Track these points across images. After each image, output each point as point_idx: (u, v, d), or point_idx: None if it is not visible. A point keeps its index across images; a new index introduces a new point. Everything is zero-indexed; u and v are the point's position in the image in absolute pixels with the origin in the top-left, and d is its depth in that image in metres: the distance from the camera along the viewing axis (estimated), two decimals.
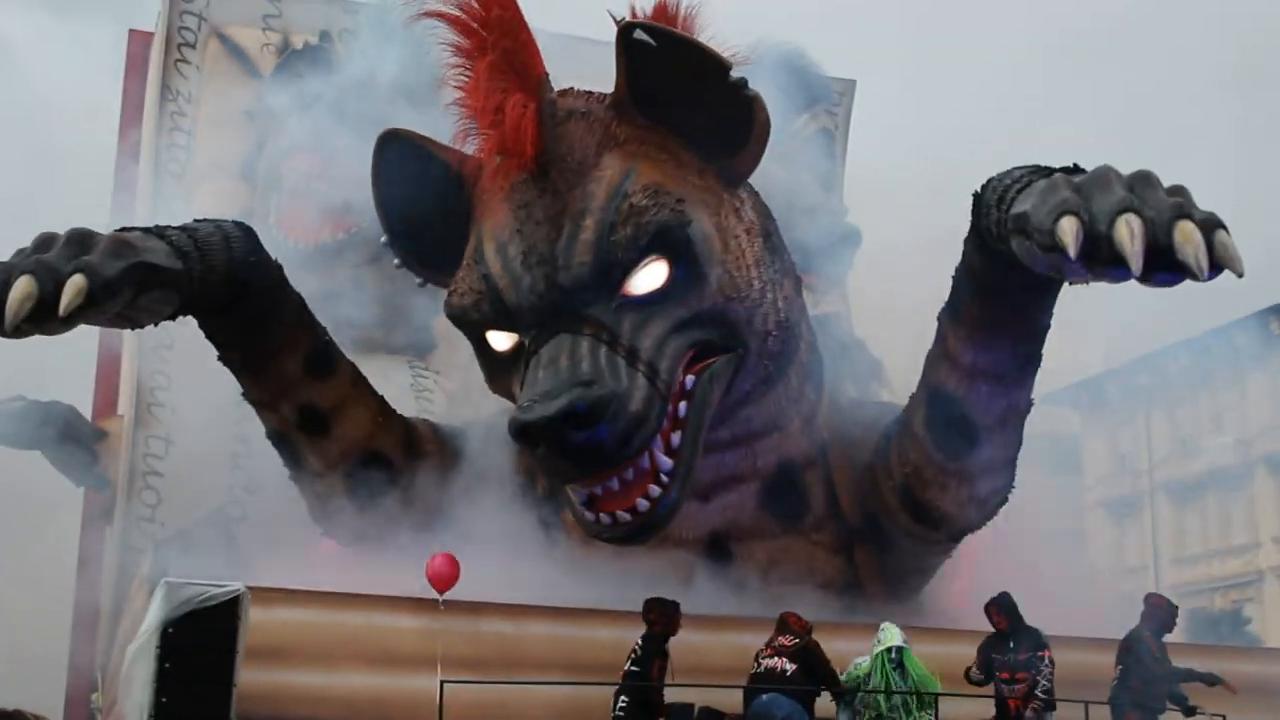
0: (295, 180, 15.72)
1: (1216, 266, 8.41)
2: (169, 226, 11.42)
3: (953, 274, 11.11)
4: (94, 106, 19.12)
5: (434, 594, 10.73)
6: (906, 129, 17.07)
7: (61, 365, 16.47)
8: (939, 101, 17.68)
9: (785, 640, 10.12)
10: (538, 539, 12.09)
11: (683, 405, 10.74)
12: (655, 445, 10.45)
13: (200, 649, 9.36)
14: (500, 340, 11.15)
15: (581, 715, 10.29)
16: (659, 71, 10.72)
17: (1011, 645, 10.64)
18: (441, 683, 9.57)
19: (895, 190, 16.16)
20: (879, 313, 15.60)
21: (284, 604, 10.37)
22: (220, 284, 11.43)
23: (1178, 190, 8.76)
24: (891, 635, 10.49)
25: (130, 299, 10.40)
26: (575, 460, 10.14)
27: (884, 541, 12.88)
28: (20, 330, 9.78)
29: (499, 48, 10.77)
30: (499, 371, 11.42)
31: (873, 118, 17.40)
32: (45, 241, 10.21)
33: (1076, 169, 9.46)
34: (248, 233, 11.87)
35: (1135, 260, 8.41)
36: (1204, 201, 8.54)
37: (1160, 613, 11.28)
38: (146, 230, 11.20)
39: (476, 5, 10.80)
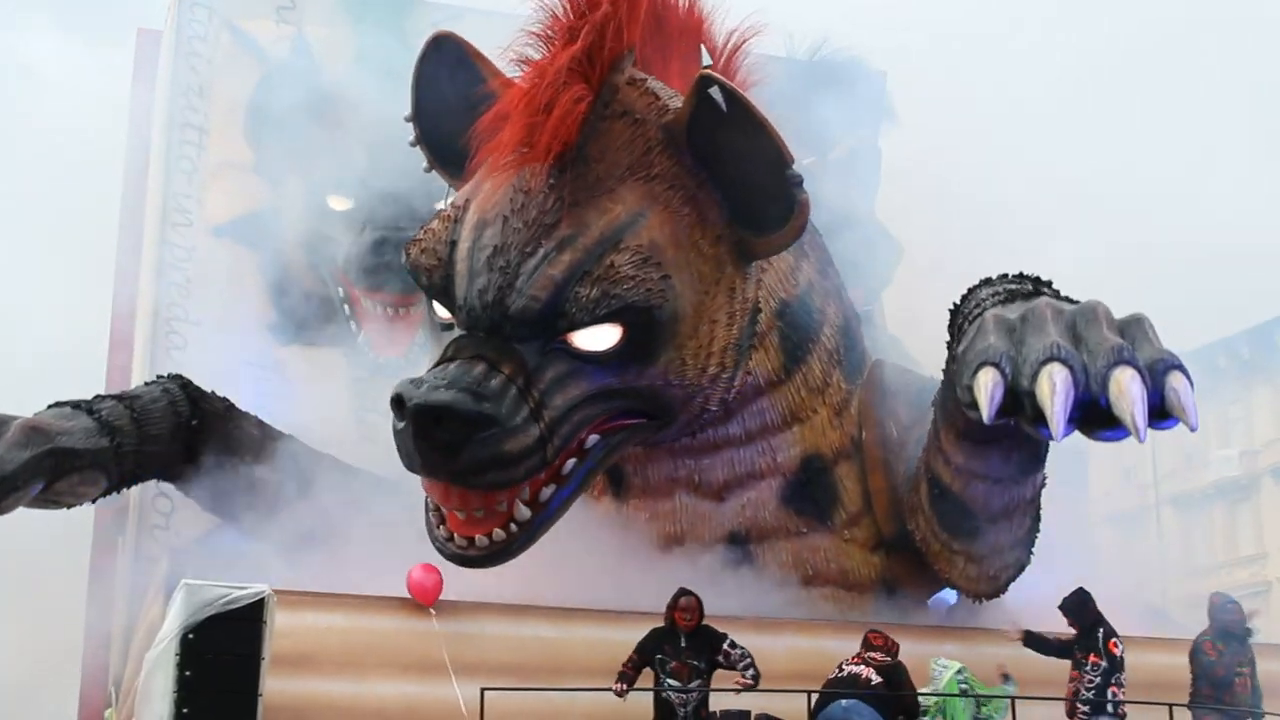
0: (370, 306, 15.67)
1: (1169, 415, 7.44)
2: (107, 397, 11.53)
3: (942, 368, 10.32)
4: (102, 107, 18.82)
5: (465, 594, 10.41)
6: (937, 125, 16.79)
7: (72, 373, 16.27)
8: (972, 99, 17.36)
9: (877, 656, 9.77)
10: (578, 540, 11.68)
11: (570, 462, 10.19)
12: (522, 494, 9.95)
13: (223, 655, 8.93)
14: (443, 311, 10.51)
15: None
16: (722, 127, 10.11)
17: (1082, 644, 10.37)
18: (482, 690, 9.18)
19: (927, 185, 15.94)
20: (914, 310, 15.31)
21: (312, 608, 10.04)
22: (165, 452, 11.55)
23: (1131, 324, 7.85)
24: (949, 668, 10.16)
25: (43, 487, 10.46)
26: (424, 453, 9.54)
27: (917, 553, 12.23)
28: None
29: (587, 42, 10.02)
30: (437, 332, 10.79)
31: (903, 113, 17.18)
32: None
33: (1037, 291, 8.62)
34: (186, 388, 11.99)
35: (1054, 421, 7.43)
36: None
37: (1214, 612, 10.99)
38: (76, 405, 11.17)
39: None
